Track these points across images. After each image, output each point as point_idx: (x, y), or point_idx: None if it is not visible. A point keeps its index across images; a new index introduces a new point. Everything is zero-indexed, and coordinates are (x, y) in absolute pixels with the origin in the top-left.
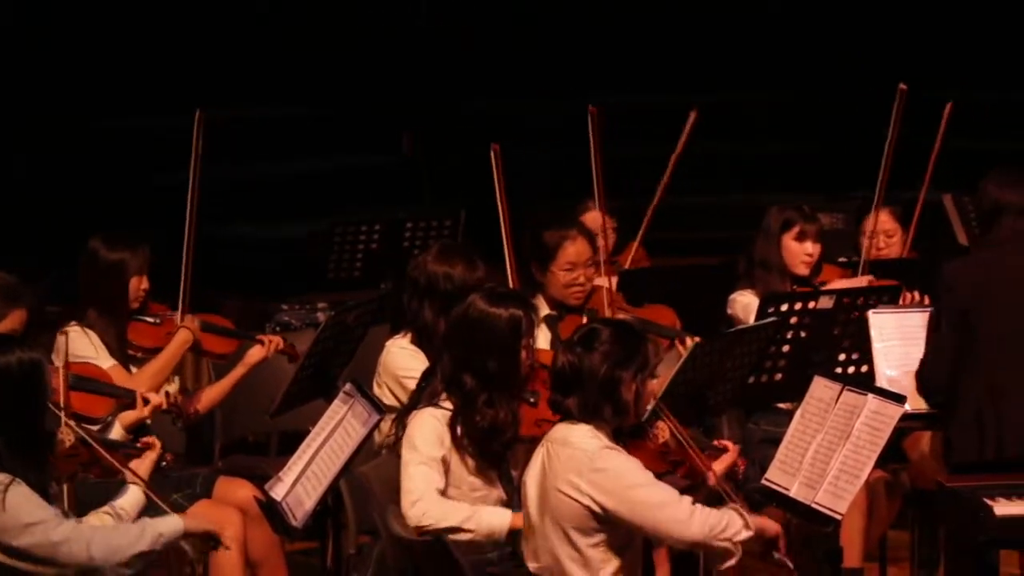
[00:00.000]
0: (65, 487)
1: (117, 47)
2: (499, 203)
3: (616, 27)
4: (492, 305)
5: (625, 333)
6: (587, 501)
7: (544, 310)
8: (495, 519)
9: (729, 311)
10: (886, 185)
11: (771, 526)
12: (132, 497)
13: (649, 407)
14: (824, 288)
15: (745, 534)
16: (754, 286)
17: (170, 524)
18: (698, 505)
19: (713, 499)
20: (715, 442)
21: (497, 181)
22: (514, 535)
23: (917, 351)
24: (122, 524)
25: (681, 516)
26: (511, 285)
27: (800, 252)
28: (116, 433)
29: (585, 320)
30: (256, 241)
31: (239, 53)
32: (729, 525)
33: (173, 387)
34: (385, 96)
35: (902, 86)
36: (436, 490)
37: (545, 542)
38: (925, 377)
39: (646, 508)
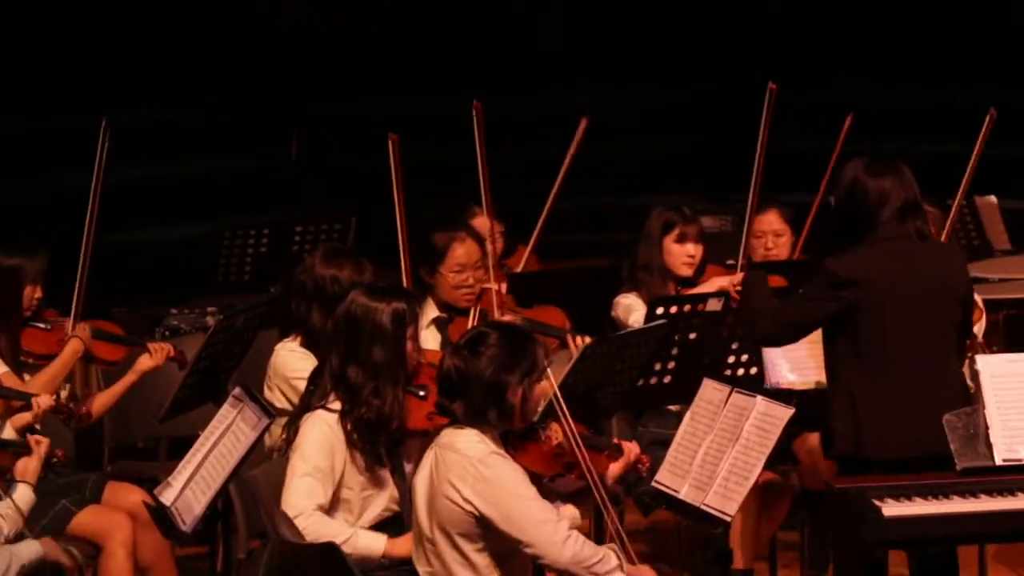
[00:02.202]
0: None
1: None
2: (395, 195)
3: (500, 28)
4: (373, 299)
5: (513, 337)
6: (470, 507)
7: (433, 312)
8: (370, 544)
9: (613, 313)
10: (762, 181)
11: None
12: (21, 495)
13: (541, 407)
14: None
15: (617, 575)
16: (638, 288)
17: (30, 551)
18: (577, 534)
19: (612, 498)
20: (615, 440)
21: (394, 172)
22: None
23: (810, 351)
24: None
25: (556, 539)
26: (405, 283)
27: (681, 254)
28: (7, 435)
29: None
30: (143, 245)
31: (124, 56)
32: (603, 562)
33: (63, 392)
34: (271, 98)
35: (772, 85)
36: (318, 505)
37: (433, 547)
38: (771, 326)
39: (523, 522)
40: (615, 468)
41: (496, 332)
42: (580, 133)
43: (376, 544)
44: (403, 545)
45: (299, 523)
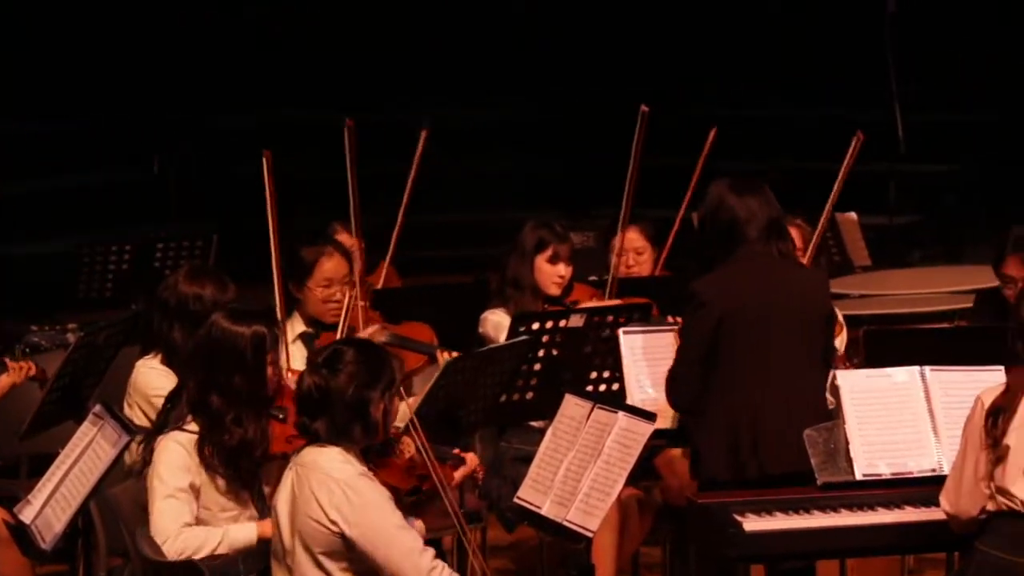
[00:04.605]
0: None
1: None
2: (268, 212)
3: (370, 43)
4: (234, 323)
5: (369, 352)
6: (335, 528)
7: (300, 327)
8: (243, 535)
9: (480, 330)
10: (631, 204)
11: None
12: None
13: (402, 424)
14: (575, 307)
15: None
16: (506, 304)
17: None
18: (442, 565)
19: (474, 516)
20: (455, 451)
21: (268, 189)
22: (266, 543)
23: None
24: None
25: (421, 569)
26: (277, 298)
27: (553, 273)
28: None
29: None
30: (2, 260)
31: None
32: None
33: None
34: (134, 113)
35: (644, 108)
36: (185, 524)
37: (296, 566)
38: (676, 390)
39: (391, 549)
40: (456, 476)
41: (352, 349)
42: (421, 146)
43: (249, 532)
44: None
45: (168, 548)
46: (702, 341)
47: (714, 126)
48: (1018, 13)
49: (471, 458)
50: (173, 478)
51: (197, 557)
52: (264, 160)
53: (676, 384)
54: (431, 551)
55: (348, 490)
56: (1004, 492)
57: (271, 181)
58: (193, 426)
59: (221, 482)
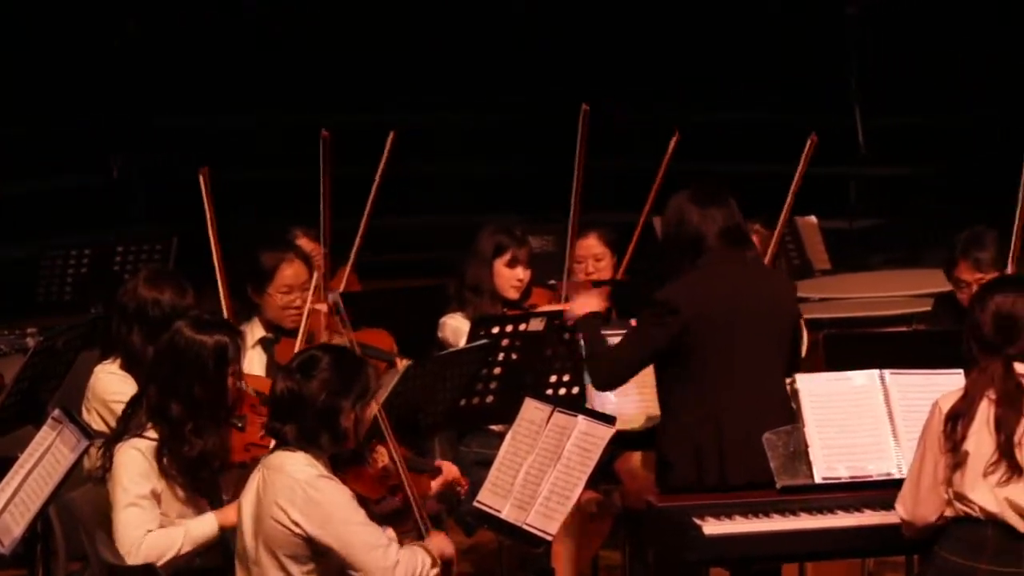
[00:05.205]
0: None
1: None
2: (209, 227)
3: (338, 48)
4: (198, 332)
5: (345, 360)
6: (298, 530)
7: (260, 333)
8: (204, 529)
9: (440, 334)
10: (580, 204)
11: (447, 548)
12: None
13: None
14: (535, 311)
15: (434, 571)
16: (464, 309)
17: None
18: (404, 554)
19: (434, 520)
20: (436, 462)
21: (207, 205)
22: (228, 532)
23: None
24: None
25: (387, 564)
26: (224, 309)
27: (511, 277)
28: None
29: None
30: None
31: None
32: (422, 565)
33: None
34: (93, 116)
35: (585, 106)
36: (149, 531)
37: (258, 568)
38: (608, 378)
39: (355, 547)
40: (434, 486)
41: (328, 356)
42: (388, 147)
43: (209, 525)
44: (231, 512)
45: (136, 555)
46: (658, 349)
47: (676, 130)
48: (981, 17)
49: (449, 468)
50: (134, 486)
51: (163, 562)
52: (201, 177)
53: (614, 373)
54: (395, 545)
55: (309, 489)
56: (962, 498)
57: (210, 197)
58: (153, 433)
59: (180, 492)
